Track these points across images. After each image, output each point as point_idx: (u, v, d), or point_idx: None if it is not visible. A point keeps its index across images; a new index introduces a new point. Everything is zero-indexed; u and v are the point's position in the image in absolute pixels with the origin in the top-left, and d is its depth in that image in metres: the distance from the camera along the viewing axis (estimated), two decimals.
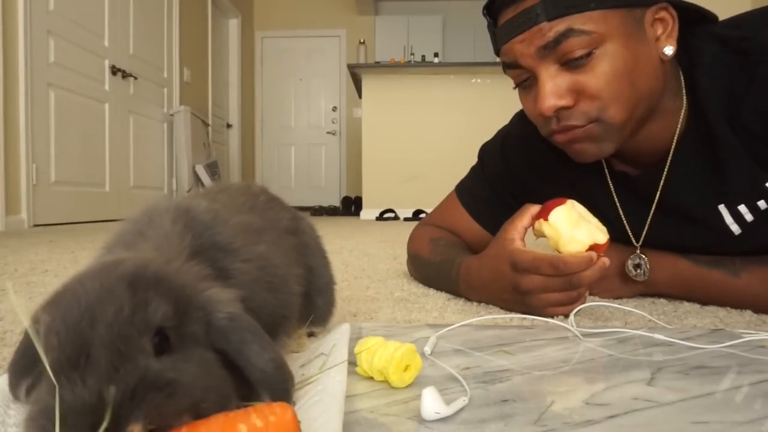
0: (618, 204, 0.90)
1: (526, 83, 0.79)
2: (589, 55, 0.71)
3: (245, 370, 0.35)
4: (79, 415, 0.26)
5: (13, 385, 0.36)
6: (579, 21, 0.70)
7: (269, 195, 0.58)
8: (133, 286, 0.31)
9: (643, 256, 0.89)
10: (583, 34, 0.70)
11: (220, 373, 0.34)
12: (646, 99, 0.75)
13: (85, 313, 0.29)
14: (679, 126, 0.80)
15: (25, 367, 0.36)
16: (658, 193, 0.85)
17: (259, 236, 0.47)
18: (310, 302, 0.56)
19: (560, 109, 0.74)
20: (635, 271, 0.90)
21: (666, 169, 0.82)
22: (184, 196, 0.51)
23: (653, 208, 0.87)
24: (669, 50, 0.74)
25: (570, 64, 0.72)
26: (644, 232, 0.89)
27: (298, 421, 0.31)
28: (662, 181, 0.83)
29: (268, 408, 0.31)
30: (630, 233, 0.91)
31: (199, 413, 0.30)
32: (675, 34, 0.74)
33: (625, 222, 0.91)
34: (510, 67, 0.79)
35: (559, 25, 0.70)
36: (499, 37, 0.78)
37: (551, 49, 0.72)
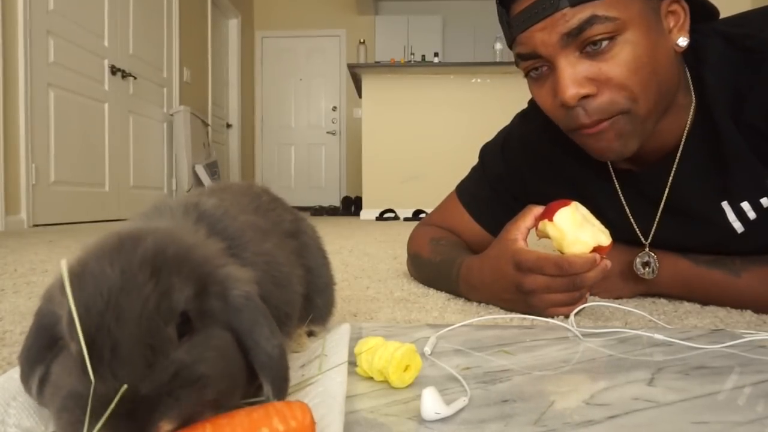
0: (624, 202, 0.90)
1: (537, 73, 0.76)
2: (611, 40, 0.69)
3: (251, 351, 0.35)
4: (115, 410, 0.26)
5: (26, 375, 0.35)
6: (602, 7, 0.68)
7: (271, 195, 0.58)
8: (156, 273, 0.30)
9: (653, 255, 0.89)
10: (607, 20, 0.68)
11: (236, 356, 0.34)
12: (667, 91, 0.74)
13: (108, 303, 0.29)
14: (688, 122, 0.80)
15: (38, 353, 0.35)
16: (667, 190, 0.84)
17: (265, 235, 0.47)
18: (310, 302, 0.56)
19: (583, 99, 0.71)
20: (643, 269, 0.89)
21: (675, 166, 0.82)
22: (190, 194, 0.51)
23: (662, 206, 0.86)
24: (683, 41, 0.73)
25: (590, 50, 0.70)
26: (653, 230, 0.89)
27: (315, 423, 0.31)
28: (671, 178, 0.83)
29: (289, 411, 0.31)
30: (638, 231, 0.90)
31: (220, 403, 0.31)
32: (687, 26, 0.74)
33: (632, 220, 0.90)
34: (526, 57, 0.75)
35: (582, 12, 0.68)
36: (516, 25, 0.74)
37: (574, 37, 0.69)
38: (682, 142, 0.80)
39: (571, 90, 0.71)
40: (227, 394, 0.32)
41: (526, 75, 0.79)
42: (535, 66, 0.75)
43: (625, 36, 0.69)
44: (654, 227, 0.88)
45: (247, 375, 0.35)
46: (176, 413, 0.28)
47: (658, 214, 0.87)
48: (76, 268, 0.31)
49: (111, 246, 0.32)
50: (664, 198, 0.85)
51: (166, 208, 0.44)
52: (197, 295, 0.32)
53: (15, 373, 0.41)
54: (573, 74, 0.71)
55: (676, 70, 0.75)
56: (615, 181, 0.90)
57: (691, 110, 0.79)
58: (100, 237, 0.34)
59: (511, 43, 0.79)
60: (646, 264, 0.89)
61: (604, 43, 0.69)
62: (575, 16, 0.68)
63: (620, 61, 0.69)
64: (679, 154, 0.81)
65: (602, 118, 0.72)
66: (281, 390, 0.35)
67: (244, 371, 0.34)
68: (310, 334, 0.60)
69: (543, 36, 0.71)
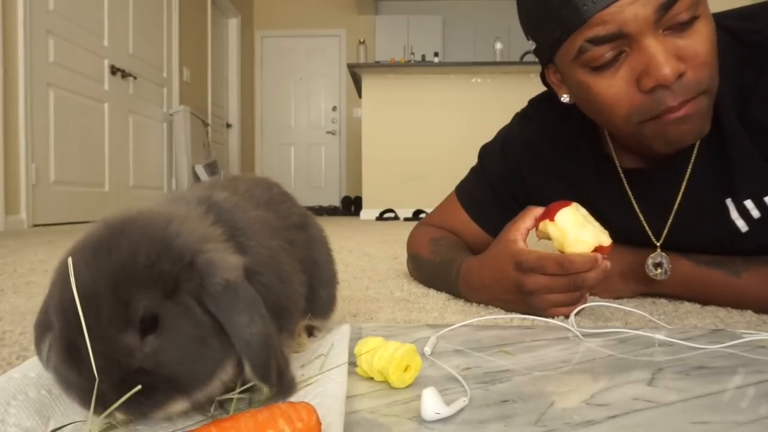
0: (634, 201, 0.89)
1: (612, 63, 0.70)
2: (695, 18, 0.66)
3: (232, 339, 0.36)
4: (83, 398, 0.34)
5: (38, 340, 0.39)
6: None
7: (282, 189, 0.59)
8: (118, 285, 0.34)
9: (664, 255, 0.88)
10: None
11: (210, 343, 0.36)
12: None
13: (75, 308, 0.33)
14: None
15: (48, 323, 0.38)
16: (682, 188, 0.83)
17: (273, 233, 0.48)
18: (314, 294, 0.57)
19: (677, 78, 0.67)
20: (656, 270, 0.88)
21: (692, 162, 0.80)
22: (204, 186, 0.53)
23: (677, 204, 0.84)
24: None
25: (675, 28, 0.66)
26: (666, 230, 0.87)
27: (320, 424, 0.32)
28: (687, 175, 0.81)
29: (294, 412, 0.31)
30: (649, 231, 0.89)
31: (183, 391, 0.35)
32: None
33: (642, 220, 0.89)
34: (602, 41, 0.68)
35: None
36: (594, 2, 0.67)
37: (665, 11, 0.65)
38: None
39: (669, 67, 0.66)
40: (193, 382, 0.35)
41: (587, 66, 0.72)
42: (608, 58, 0.69)
43: (701, 9, 0.67)
44: (667, 227, 0.87)
45: (238, 360, 0.37)
46: (131, 403, 0.33)
47: (672, 213, 0.86)
48: (64, 265, 0.35)
49: (93, 246, 0.36)
50: (680, 195, 0.84)
51: (179, 199, 0.46)
52: (166, 295, 0.35)
53: (15, 372, 0.41)
54: (666, 51, 0.66)
55: None
56: (624, 180, 0.89)
57: None
58: (93, 226, 0.38)
59: (571, 30, 0.70)
60: (658, 265, 0.88)
61: (686, 19, 0.66)
62: None
63: (703, 36, 0.67)
64: (696, 150, 0.80)
65: (688, 99, 0.68)
66: (263, 376, 0.36)
67: (216, 359, 0.36)
68: (311, 333, 0.60)
69: (635, 9, 0.65)
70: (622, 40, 0.68)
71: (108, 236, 0.36)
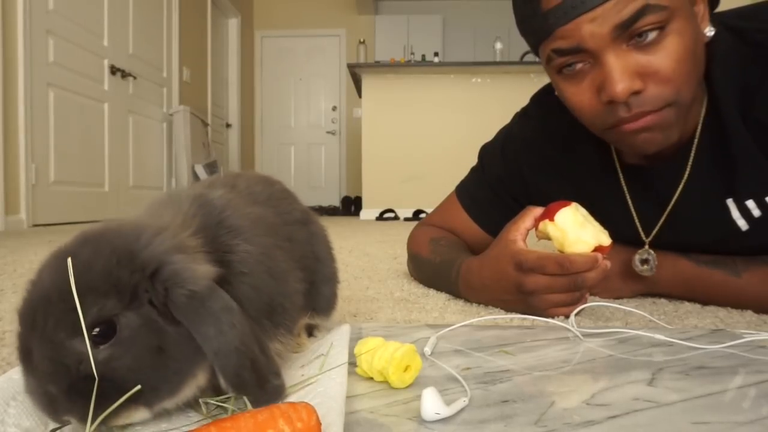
0: (629, 199, 0.89)
1: (570, 70, 0.72)
2: (660, 30, 0.65)
3: (204, 349, 0.36)
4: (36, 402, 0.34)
5: None
6: None
7: (283, 186, 0.59)
8: (63, 295, 0.34)
9: (651, 252, 0.88)
10: (659, 9, 0.64)
11: (172, 354, 0.35)
12: (699, 81, 0.73)
13: (30, 314, 0.34)
14: (701, 117, 0.79)
15: None
16: (681, 186, 0.83)
17: (269, 230, 0.48)
18: (316, 291, 0.56)
19: (632, 94, 0.68)
20: (642, 266, 0.88)
21: (690, 162, 0.81)
22: (203, 184, 0.53)
23: (672, 203, 0.84)
24: (710, 31, 0.72)
25: (640, 43, 0.66)
26: (657, 226, 0.88)
27: (320, 424, 0.32)
28: (686, 174, 0.81)
29: (294, 412, 0.31)
30: (640, 228, 0.89)
31: (141, 402, 0.34)
32: (708, 16, 0.73)
33: (635, 217, 0.89)
34: (565, 53, 0.70)
35: (636, 1, 0.64)
36: (557, 17, 0.68)
37: (625, 28, 0.65)
38: (696, 137, 0.79)
39: (622, 85, 0.67)
40: (150, 390, 0.34)
41: (558, 72, 0.74)
42: (570, 62, 0.71)
43: (672, 26, 0.66)
44: (659, 224, 0.87)
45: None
46: (79, 408, 0.33)
47: (667, 210, 0.86)
48: (41, 268, 0.37)
49: (59, 254, 0.36)
50: (677, 194, 0.84)
51: (177, 196, 0.46)
52: (131, 302, 0.35)
53: (14, 373, 0.41)
54: (623, 68, 0.67)
55: (703, 61, 0.73)
56: (621, 176, 0.89)
57: (704, 105, 0.79)
58: (79, 232, 0.39)
59: (541, 39, 0.73)
60: (644, 261, 0.89)
61: (653, 34, 0.66)
62: (628, 6, 0.64)
63: (669, 52, 0.67)
64: (694, 150, 0.80)
65: (646, 111, 0.69)
66: (236, 386, 0.36)
67: (179, 366, 0.36)
68: (311, 333, 0.60)
69: (592, 28, 0.66)
70: (584, 53, 0.70)
71: (76, 245, 0.36)
